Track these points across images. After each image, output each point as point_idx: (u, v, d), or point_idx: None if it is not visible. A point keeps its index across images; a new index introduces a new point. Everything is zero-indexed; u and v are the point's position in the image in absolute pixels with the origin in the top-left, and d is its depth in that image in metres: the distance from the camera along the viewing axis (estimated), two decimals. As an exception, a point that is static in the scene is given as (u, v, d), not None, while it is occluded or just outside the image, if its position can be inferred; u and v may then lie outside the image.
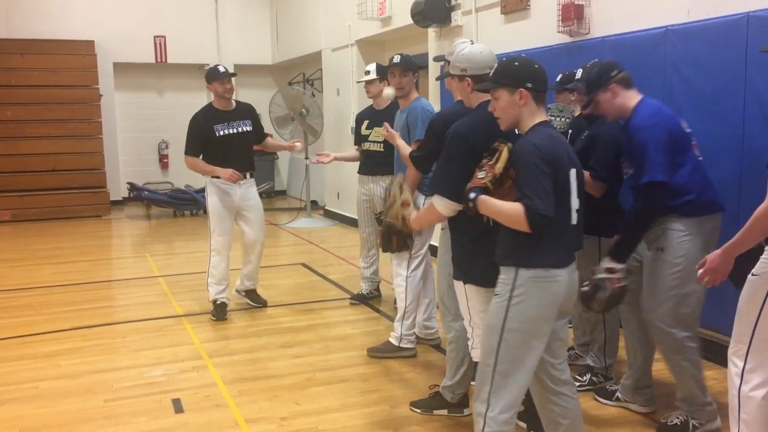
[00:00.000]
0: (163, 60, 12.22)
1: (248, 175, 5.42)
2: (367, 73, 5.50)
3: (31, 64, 10.88)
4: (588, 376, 3.96)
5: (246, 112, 5.47)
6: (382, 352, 4.56)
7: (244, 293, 5.78)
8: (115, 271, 7.75)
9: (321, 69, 10.78)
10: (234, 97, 5.51)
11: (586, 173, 3.65)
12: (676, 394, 3.44)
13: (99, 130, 11.37)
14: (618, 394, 3.72)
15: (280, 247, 8.40)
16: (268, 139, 5.74)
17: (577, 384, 3.91)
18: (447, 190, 2.83)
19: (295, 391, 4.02)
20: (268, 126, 7.50)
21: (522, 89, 2.63)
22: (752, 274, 2.68)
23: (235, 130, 5.33)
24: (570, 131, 4.34)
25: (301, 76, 11.95)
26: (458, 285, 3.09)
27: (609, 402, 3.75)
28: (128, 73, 12.25)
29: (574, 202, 2.65)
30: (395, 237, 3.80)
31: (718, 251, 2.76)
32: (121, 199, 11.98)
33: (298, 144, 5.68)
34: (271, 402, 3.87)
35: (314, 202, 10.96)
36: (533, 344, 2.62)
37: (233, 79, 5.50)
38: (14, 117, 10.82)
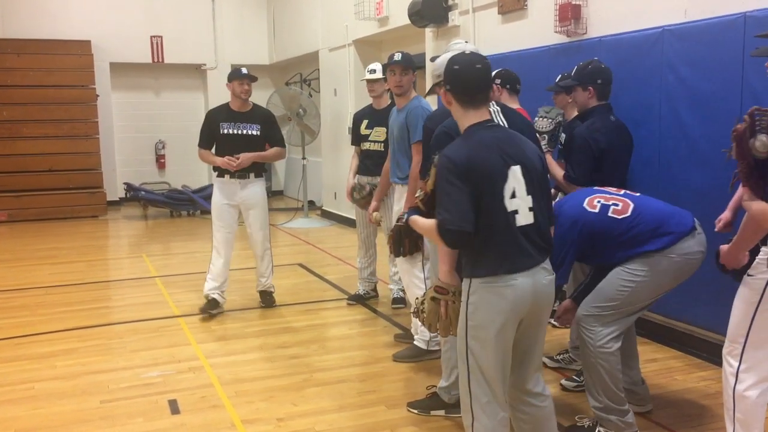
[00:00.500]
0: (160, 60, 12.20)
1: (252, 176, 5.46)
2: (373, 71, 5.48)
3: (28, 64, 10.85)
4: (586, 376, 3.95)
5: (258, 116, 5.48)
6: (411, 357, 4.43)
7: (258, 291, 5.86)
8: (111, 271, 7.73)
9: (318, 69, 10.77)
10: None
11: (561, 174, 3.65)
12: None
13: (96, 131, 11.34)
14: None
15: (278, 247, 8.37)
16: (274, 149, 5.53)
17: (575, 384, 3.92)
18: None
19: (291, 391, 4.01)
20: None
21: (442, 89, 2.61)
22: (748, 275, 2.69)
23: (239, 131, 5.38)
24: (563, 134, 4.35)
25: (299, 76, 11.94)
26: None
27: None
28: (125, 73, 12.23)
29: (522, 202, 2.51)
30: (407, 240, 3.74)
31: (725, 248, 2.76)
32: (117, 199, 11.96)
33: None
34: (267, 403, 3.86)
35: (311, 203, 10.95)
36: (496, 350, 2.55)
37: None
38: (11, 117, 10.79)
